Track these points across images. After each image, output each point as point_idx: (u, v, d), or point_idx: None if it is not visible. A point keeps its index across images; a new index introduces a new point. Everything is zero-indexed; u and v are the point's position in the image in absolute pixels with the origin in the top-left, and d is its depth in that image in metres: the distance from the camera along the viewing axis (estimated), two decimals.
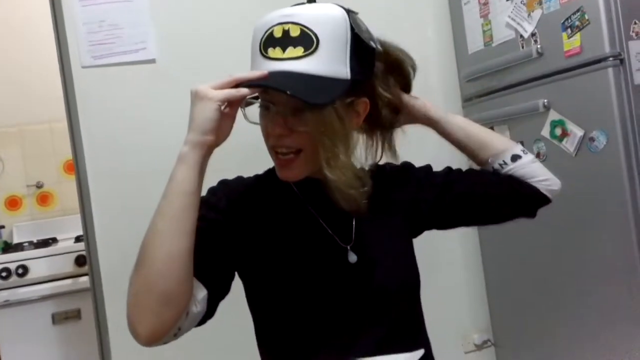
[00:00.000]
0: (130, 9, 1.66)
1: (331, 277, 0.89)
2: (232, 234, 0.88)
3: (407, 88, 0.99)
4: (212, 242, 0.84)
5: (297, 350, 0.88)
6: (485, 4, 1.80)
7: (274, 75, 0.79)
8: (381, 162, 1.01)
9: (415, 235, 1.02)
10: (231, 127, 0.80)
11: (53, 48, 1.70)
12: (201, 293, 0.81)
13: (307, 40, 0.79)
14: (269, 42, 0.81)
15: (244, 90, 0.77)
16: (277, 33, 0.80)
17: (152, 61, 1.69)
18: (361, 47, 0.84)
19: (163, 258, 0.74)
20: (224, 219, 0.88)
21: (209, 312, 0.83)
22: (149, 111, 1.68)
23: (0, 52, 2.71)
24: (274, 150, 0.86)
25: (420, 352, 0.75)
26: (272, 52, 0.81)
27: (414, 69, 0.97)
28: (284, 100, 0.81)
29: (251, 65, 0.85)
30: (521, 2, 1.66)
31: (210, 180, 0.89)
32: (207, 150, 0.79)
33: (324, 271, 0.89)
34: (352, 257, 0.90)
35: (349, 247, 0.91)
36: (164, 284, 0.74)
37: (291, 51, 0.79)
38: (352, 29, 0.82)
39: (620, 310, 1.49)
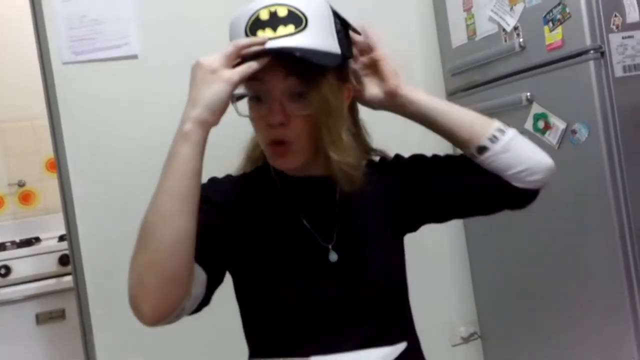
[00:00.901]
0: (111, 4, 1.64)
1: (311, 276, 0.88)
2: (225, 228, 0.88)
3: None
4: (209, 232, 0.84)
5: (281, 346, 0.88)
6: None
7: (272, 50, 0.78)
8: (374, 156, 1.00)
9: (411, 230, 0.99)
10: (228, 104, 0.79)
11: (33, 44, 1.68)
12: (201, 277, 0.80)
13: (296, 19, 0.80)
14: (257, 25, 0.80)
15: (254, 65, 0.76)
16: (264, 15, 0.80)
17: (135, 57, 1.67)
18: (340, 26, 0.85)
19: (171, 238, 0.73)
20: (218, 213, 0.88)
21: (206, 298, 0.83)
22: (132, 107, 1.66)
23: None
24: (271, 141, 0.84)
25: (402, 346, 0.75)
26: (261, 33, 0.79)
27: None
28: (281, 86, 0.81)
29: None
30: None
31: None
32: (209, 129, 0.77)
33: (304, 270, 0.88)
34: (333, 256, 0.89)
35: (330, 246, 0.90)
36: (172, 264, 0.73)
37: (282, 29, 0.79)
38: (331, 8, 0.85)
39: (604, 301, 1.51)
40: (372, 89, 0.93)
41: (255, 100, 0.84)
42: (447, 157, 0.99)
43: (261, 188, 0.93)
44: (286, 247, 0.90)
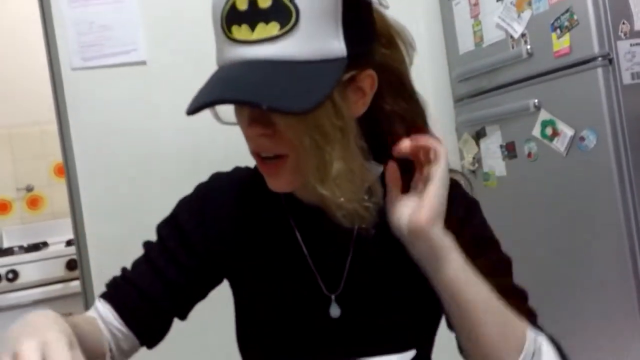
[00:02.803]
0: (120, 10, 1.65)
1: (306, 332, 0.73)
2: (204, 255, 0.77)
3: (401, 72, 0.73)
4: (159, 272, 0.77)
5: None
6: (476, 4, 1.80)
7: (241, 67, 0.59)
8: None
9: None
10: None
11: (42, 50, 1.69)
12: (126, 343, 0.76)
13: (282, 13, 0.58)
14: (232, 17, 0.60)
15: None
16: (241, 4, 0.59)
17: (143, 63, 1.68)
18: (357, 5, 0.63)
19: None
20: (185, 246, 0.77)
21: (151, 342, 0.78)
22: (140, 113, 1.67)
23: None
24: (257, 155, 0.68)
25: (411, 353, 0.70)
26: (237, 31, 0.59)
27: (412, 47, 0.74)
28: None
29: (216, 48, 0.65)
30: (511, 3, 1.66)
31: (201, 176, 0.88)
32: None
33: (299, 324, 0.73)
34: (335, 311, 0.72)
35: (333, 297, 0.73)
36: None
37: (262, 29, 0.58)
38: None
39: (614, 309, 1.50)
40: (399, 202, 0.68)
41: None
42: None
43: (265, 201, 0.77)
44: (281, 287, 0.74)
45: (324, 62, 0.60)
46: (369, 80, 0.66)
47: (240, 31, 0.59)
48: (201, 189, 0.83)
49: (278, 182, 0.68)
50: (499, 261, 0.76)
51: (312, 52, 0.59)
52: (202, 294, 0.81)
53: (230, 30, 0.60)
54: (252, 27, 0.59)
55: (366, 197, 0.64)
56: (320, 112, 0.59)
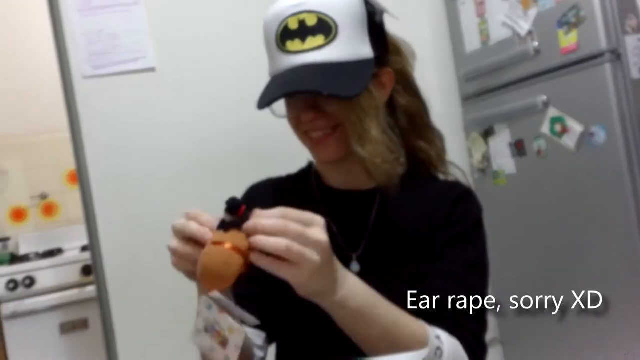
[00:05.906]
0: (128, 18, 1.67)
1: None
2: None
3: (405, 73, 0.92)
4: (252, 286, 0.83)
5: (299, 349, 0.87)
6: (481, 3, 1.81)
7: (299, 70, 0.77)
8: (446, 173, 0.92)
9: None
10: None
11: (54, 59, 1.72)
12: (259, 339, 0.88)
13: (325, 27, 0.77)
14: (286, 35, 0.79)
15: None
16: (293, 25, 0.78)
17: (152, 70, 1.69)
18: (376, 19, 0.82)
19: None
20: None
21: (272, 341, 0.91)
22: (151, 119, 1.69)
23: (2, 63, 2.73)
24: (307, 136, 0.84)
25: (424, 352, 0.72)
26: (291, 44, 0.78)
27: (414, 56, 0.93)
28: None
29: (269, 61, 0.84)
30: (516, 1, 1.66)
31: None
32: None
33: None
34: (355, 267, 0.85)
35: (354, 255, 0.86)
36: None
37: (311, 41, 0.77)
38: (366, 2, 0.81)
39: (625, 306, 1.49)
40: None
41: (290, 97, 0.84)
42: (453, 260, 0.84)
43: (299, 192, 0.93)
44: None
45: (358, 62, 0.79)
46: (388, 76, 0.86)
47: (294, 44, 0.78)
48: (243, 198, 0.94)
49: (326, 151, 0.84)
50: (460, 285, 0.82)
51: (349, 55, 0.78)
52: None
53: (284, 45, 0.79)
54: (303, 40, 0.78)
55: (395, 159, 0.80)
56: (361, 96, 0.77)
